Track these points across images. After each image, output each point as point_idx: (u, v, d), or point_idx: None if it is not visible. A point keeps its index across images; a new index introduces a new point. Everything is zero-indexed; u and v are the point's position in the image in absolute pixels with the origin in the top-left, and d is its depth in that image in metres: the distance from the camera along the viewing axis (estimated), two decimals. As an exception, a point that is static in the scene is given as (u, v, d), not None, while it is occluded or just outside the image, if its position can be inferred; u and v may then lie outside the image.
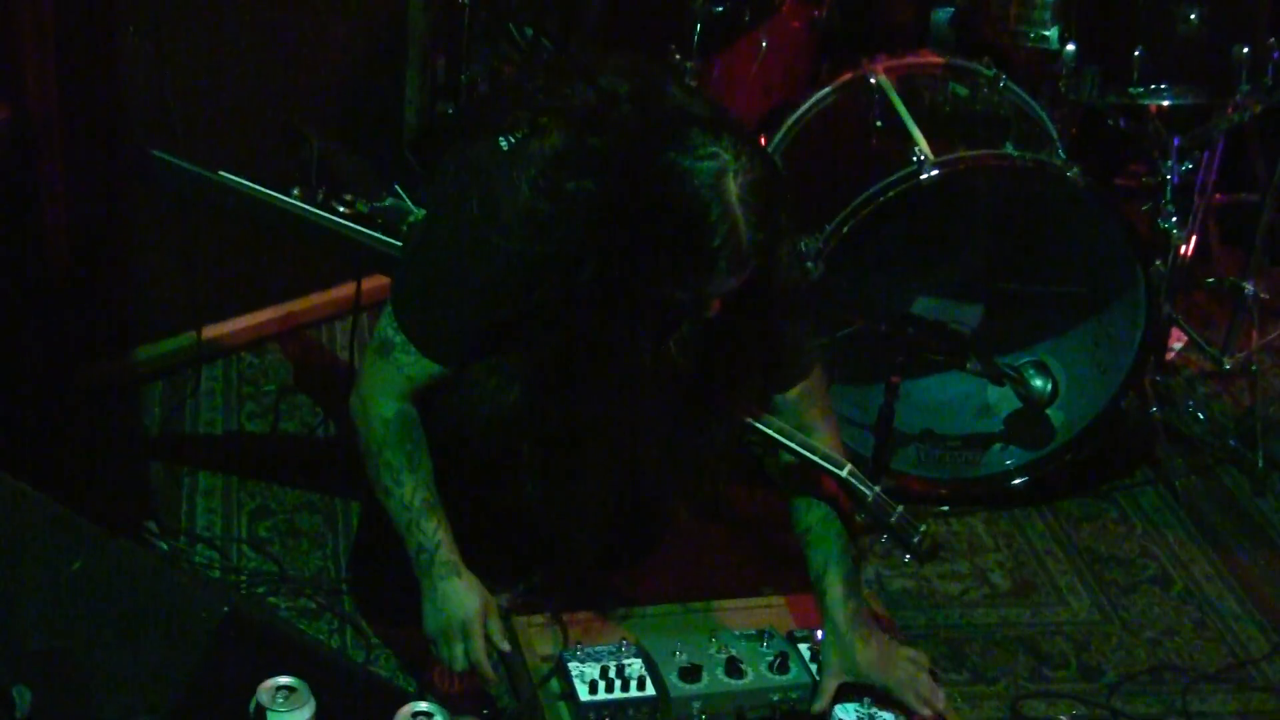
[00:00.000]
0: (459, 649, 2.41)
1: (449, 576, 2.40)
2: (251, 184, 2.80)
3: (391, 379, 2.38)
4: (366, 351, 2.44)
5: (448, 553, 2.41)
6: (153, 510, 2.99)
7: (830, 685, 2.45)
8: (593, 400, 2.32)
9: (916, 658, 2.49)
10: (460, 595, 2.40)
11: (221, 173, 2.79)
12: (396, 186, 2.86)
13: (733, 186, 2.04)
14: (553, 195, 2.19)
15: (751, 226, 2.06)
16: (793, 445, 2.49)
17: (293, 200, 2.82)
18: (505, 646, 2.43)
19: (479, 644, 2.40)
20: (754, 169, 2.07)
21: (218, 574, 2.87)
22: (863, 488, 2.48)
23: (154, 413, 3.32)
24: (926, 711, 2.43)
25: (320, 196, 2.86)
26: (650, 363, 2.28)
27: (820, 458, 2.48)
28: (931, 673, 2.47)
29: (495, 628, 2.42)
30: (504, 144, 2.25)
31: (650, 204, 2.07)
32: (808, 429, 2.52)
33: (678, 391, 2.35)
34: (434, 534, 2.40)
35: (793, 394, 2.53)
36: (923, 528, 2.50)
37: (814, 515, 2.51)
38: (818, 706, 2.45)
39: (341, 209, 2.83)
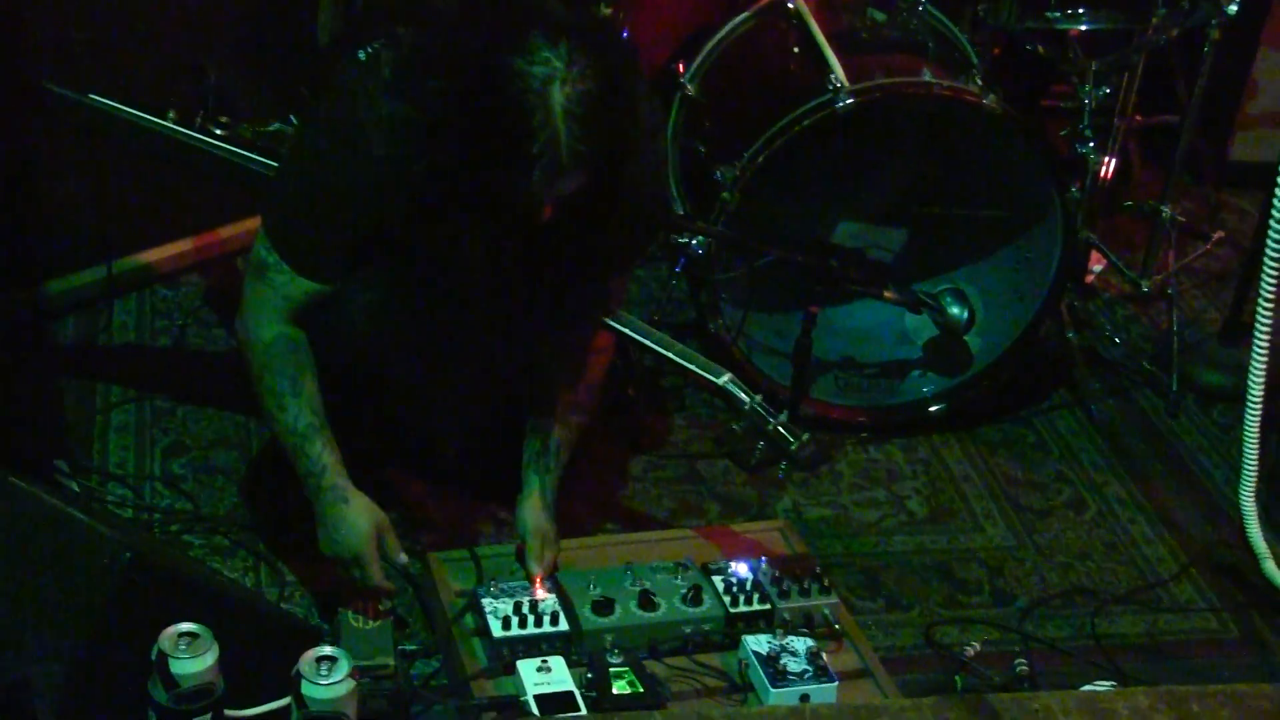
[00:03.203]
0: (355, 573, 2.45)
1: (337, 502, 2.43)
2: (127, 108, 2.77)
3: (269, 301, 2.39)
4: (246, 276, 2.45)
5: (335, 476, 2.43)
6: (64, 448, 2.96)
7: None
8: (452, 301, 2.40)
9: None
10: (350, 519, 2.43)
11: (91, 95, 2.75)
12: (291, 116, 2.84)
13: (558, 95, 2.06)
14: (408, 98, 2.21)
15: (574, 137, 2.07)
16: (669, 355, 2.50)
17: (167, 123, 2.79)
18: (402, 559, 2.48)
19: (373, 568, 2.44)
20: (587, 80, 2.07)
21: (130, 513, 2.85)
22: (741, 394, 2.50)
23: (65, 348, 3.27)
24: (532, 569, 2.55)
25: (198, 121, 2.83)
26: (500, 262, 2.32)
27: (698, 366, 2.50)
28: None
29: (390, 544, 2.47)
30: (362, 55, 2.28)
31: (482, 105, 2.09)
32: (567, 386, 2.62)
33: (530, 291, 2.40)
34: (320, 458, 2.42)
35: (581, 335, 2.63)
36: (804, 436, 2.51)
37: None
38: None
39: (219, 132, 2.80)
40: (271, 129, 2.83)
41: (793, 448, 2.51)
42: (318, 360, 2.48)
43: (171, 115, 2.81)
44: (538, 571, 2.55)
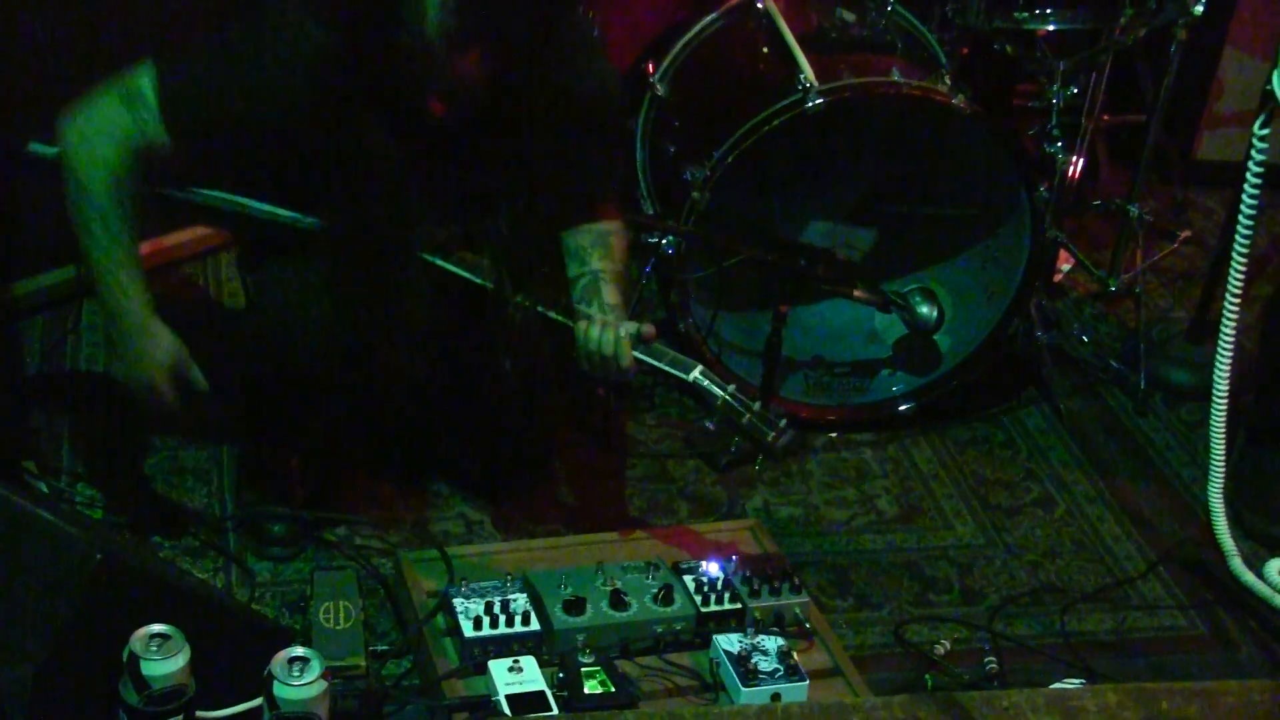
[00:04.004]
0: (148, 398, 2.52)
1: (138, 329, 2.48)
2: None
3: (124, 128, 2.40)
4: (103, 91, 2.43)
5: (140, 305, 2.46)
6: (33, 449, 2.94)
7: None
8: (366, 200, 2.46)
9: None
10: (149, 348, 2.48)
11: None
12: None
13: None
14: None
15: (443, 16, 2.16)
16: (637, 354, 2.50)
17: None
18: (204, 385, 2.54)
19: (169, 398, 2.51)
20: None
21: (100, 514, 2.83)
22: (714, 389, 2.49)
23: (34, 348, 3.26)
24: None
25: None
26: (417, 171, 2.42)
27: (667, 363, 2.49)
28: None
29: (194, 375, 2.53)
30: None
31: None
32: (596, 277, 2.62)
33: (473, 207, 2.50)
34: (129, 285, 2.45)
35: (583, 239, 2.66)
36: (781, 423, 2.48)
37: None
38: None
39: None
40: None
41: (769, 438, 2.50)
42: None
43: None
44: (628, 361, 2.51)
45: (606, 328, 2.51)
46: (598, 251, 2.68)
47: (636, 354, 2.51)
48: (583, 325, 2.53)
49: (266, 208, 2.59)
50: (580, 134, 2.55)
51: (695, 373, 2.50)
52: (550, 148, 2.49)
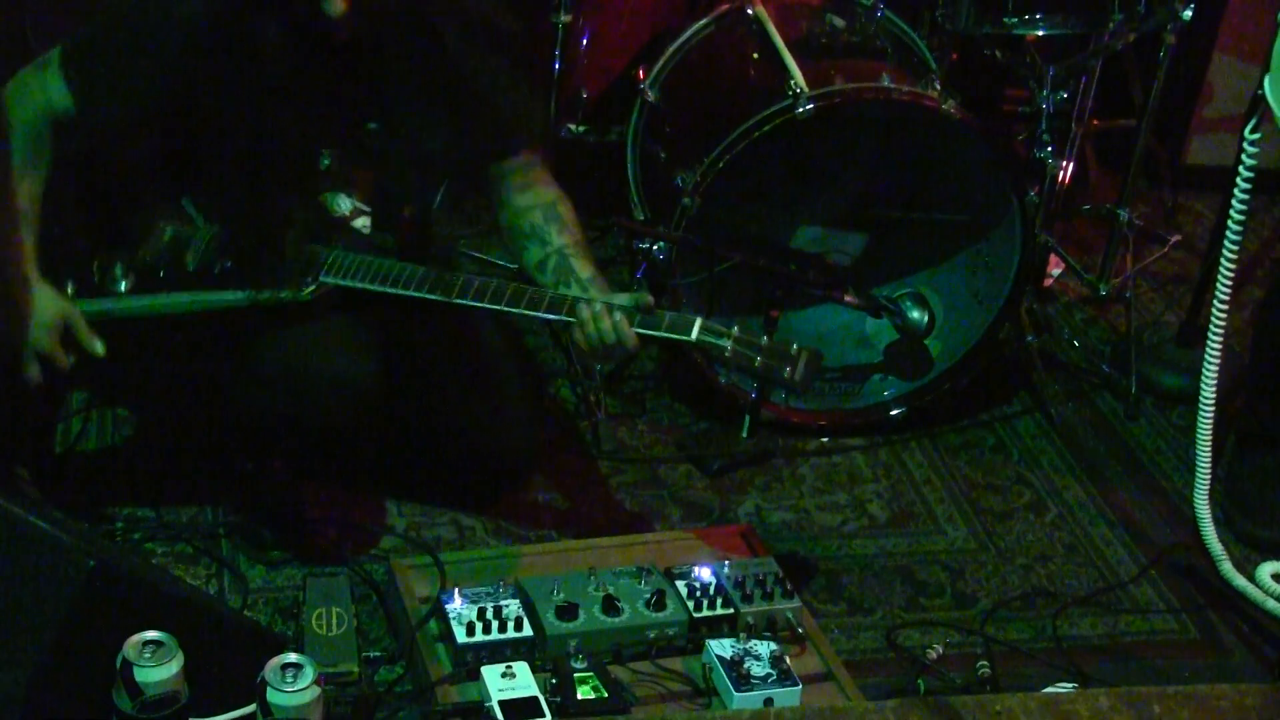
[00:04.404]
0: (33, 366, 2.52)
1: (20, 283, 2.47)
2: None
3: (33, 92, 2.51)
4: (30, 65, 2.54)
5: (24, 262, 2.47)
6: (25, 456, 2.93)
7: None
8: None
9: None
10: (31, 305, 2.49)
11: None
12: None
13: None
14: None
15: None
16: (639, 330, 2.49)
17: None
18: (98, 349, 2.54)
19: (55, 354, 2.52)
20: None
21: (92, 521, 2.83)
22: (719, 342, 2.47)
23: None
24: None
25: None
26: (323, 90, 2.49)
27: (665, 330, 2.48)
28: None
29: (85, 337, 2.53)
30: None
31: None
32: (564, 255, 2.62)
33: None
34: (18, 242, 2.47)
35: (533, 218, 2.66)
36: (794, 348, 2.45)
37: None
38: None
39: None
40: None
41: (787, 375, 2.45)
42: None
43: None
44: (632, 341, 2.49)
45: (601, 313, 2.48)
46: (553, 227, 2.66)
47: (638, 330, 2.49)
48: (583, 312, 2.49)
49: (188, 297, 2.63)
50: (482, 50, 2.55)
51: (695, 331, 2.47)
52: (452, 66, 2.52)
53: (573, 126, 3.51)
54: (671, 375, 3.38)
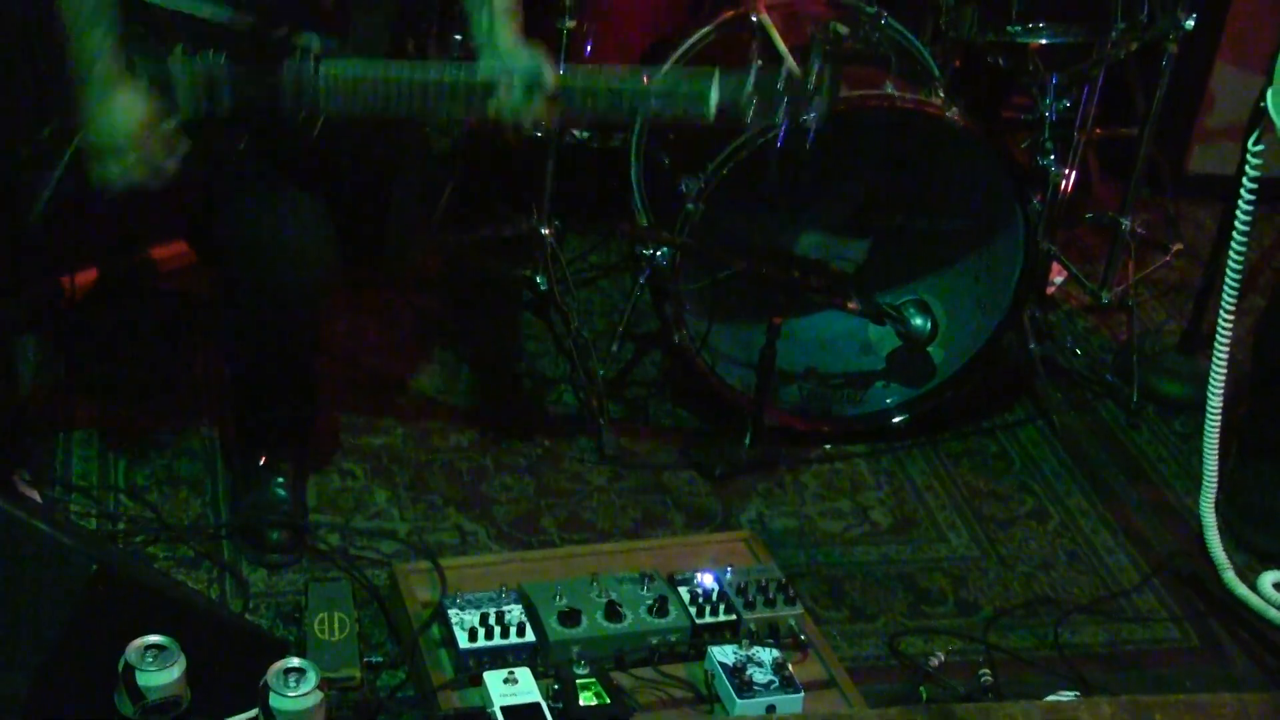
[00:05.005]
0: (114, 168, 2.44)
1: (105, 91, 2.42)
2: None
3: None
4: None
5: (110, 62, 2.42)
6: (26, 459, 2.94)
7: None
8: None
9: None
10: (117, 110, 2.42)
11: None
12: None
13: None
14: None
15: None
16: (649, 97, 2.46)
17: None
18: (184, 147, 2.47)
19: (142, 162, 2.44)
20: None
21: (94, 524, 2.83)
22: (740, 81, 2.42)
23: (28, 359, 3.25)
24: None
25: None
26: None
27: (684, 88, 2.45)
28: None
29: (155, 144, 2.44)
30: None
31: None
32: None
33: None
34: (100, 42, 2.41)
35: None
36: (813, 69, 2.42)
37: None
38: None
39: None
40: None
41: (810, 84, 2.42)
42: None
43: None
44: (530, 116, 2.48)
45: (511, 91, 2.45)
46: None
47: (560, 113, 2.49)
48: (496, 97, 2.46)
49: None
50: None
51: (714, 85, 2.43)
52: None
53: (576, 132, 3.50)
54: (674, 381, 3.38)
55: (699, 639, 2.52)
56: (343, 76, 2.46)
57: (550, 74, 2.47)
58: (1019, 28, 3.22)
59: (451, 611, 2.49)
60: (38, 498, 2.82)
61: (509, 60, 2.52)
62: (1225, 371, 2.63)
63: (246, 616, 2.62)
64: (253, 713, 2.12)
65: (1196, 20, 3.30)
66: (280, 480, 2.84)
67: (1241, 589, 2.81)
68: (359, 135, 2.70)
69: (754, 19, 3.29)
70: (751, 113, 2.45)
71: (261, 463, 2.86)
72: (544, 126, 2.51)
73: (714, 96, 2.44)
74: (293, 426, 2.91)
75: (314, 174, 2.64)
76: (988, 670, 2.63)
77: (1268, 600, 2.79)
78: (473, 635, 2.44)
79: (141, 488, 2.94)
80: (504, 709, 2.31)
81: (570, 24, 3.25)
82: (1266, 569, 2.88)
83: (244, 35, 2.49)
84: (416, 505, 2.96)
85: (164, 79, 2.46)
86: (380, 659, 2.55)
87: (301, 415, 2.92)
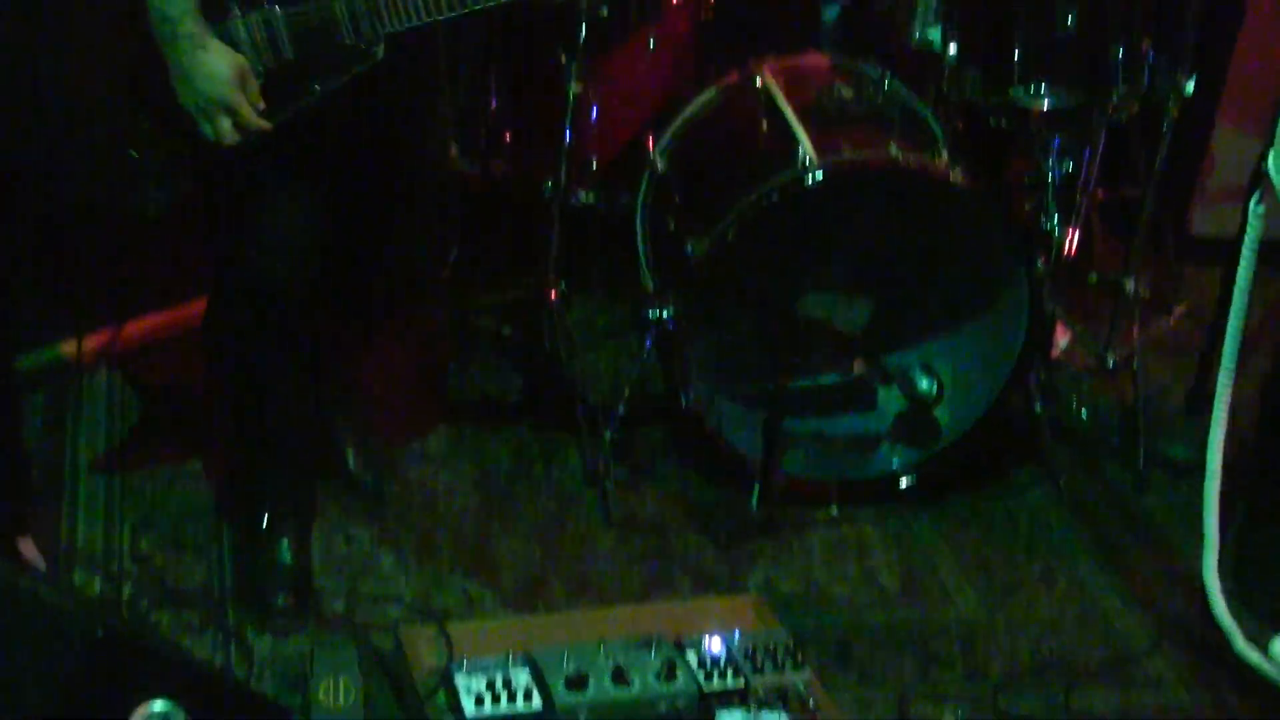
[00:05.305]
0: (224, 122, 2.48)
1: (195, 48, 2.45)
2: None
3: None
4: None
5: (193, 23, 2.44)
6: (31, 522, 2.93)
7: None
8: None
9: None
10: (210, 64, 2.45)
11: None
12: None
13: None
14: None
15: None
16: None
17: None
18: (261, 105, 2.50)
19: (245, 109, 2.48)
20: None
21: (98, 588, 2.82)
22: None
23: (34, 424, 3.25)
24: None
25: None
26: None
27: None
28: None
29: (253, 90, 2.49)
30: None
31: None
32: None
33: None
34: (180, 3, 2.43)
35: None
36: None
37: None
38: None
39: None
40: None
41: None
42: None
43: None
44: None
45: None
46: None
47: None
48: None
49: None
50: None
51: None
52: None
53: (582, 195, 3.52)
54: (681, 443, 3.38)
55: (707, 704, 2.50)
56: None
57: None
58: (1021, 90, 3.24)
59: (458, 677, 2.47)
60: (41, 562, 2.81)
61: None
62: (1225, 434, 2.63)
63: (251, 682, 2.60)
64: (258, 780, 2.10)
65: (1196, 84, 3.32)
66: (284, 543, 2.83)
67: (1253, 655, 2.79)
68: (364, 137, 2.74)
69: (758, 83, 3.31)
70: None
71: (265, 525, 2.85)
72: None
73: None
74: (295, 484, 2.90)
75: (310, 172, 2.67)
76: (998, 736, 2.61)
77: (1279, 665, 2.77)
78: (479, 701, 2.43)
79: (146, 554, 2.93)
80: (512, 776, 2.29)
81: (576, 89, 3.27)
82: (1278, 634, 2.86)
83: None
84: (423, 569, 2.95)
85: (230, 43, 2.50)
86: (386, 726, 2.53)
87: (304, 471, 2.91)
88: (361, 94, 2.58)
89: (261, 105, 2.50)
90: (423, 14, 2.52)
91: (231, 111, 2.48)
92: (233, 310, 2.78)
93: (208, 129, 2.50)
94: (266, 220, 2.65)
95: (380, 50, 2.53)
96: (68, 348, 3.31)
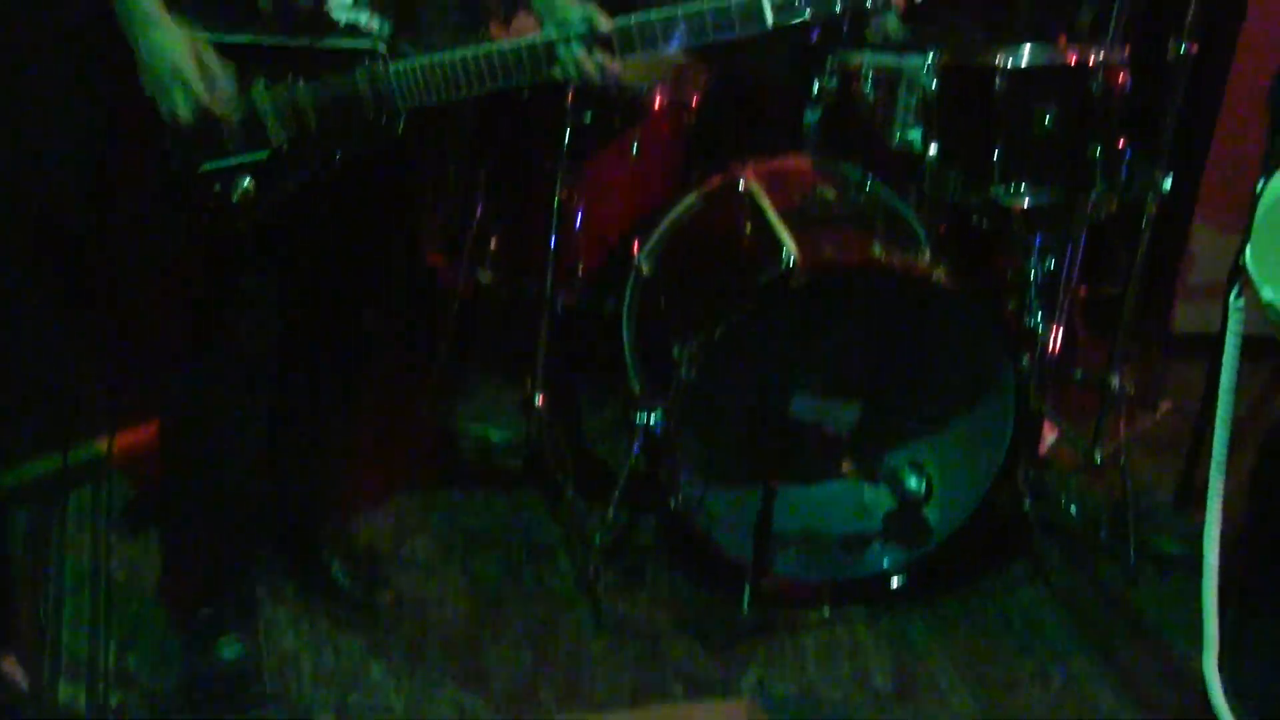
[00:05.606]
0: (178, 96, 2.48)
1: (149, 25, 2.46)
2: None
3: None
4: None
5: (149, 4, 2.46)
6: (14, 644, 2.89)
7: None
8: None
9: None
10: (161, 39, 2.46)
11: None
12: None
13: None
14: None
15: None
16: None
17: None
18: (221, 74, 2.50)
19: (197, 84, 2.48)
20: None
21: (84, 707, 2.78)
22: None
23: (17, 539, 3.22)
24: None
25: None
26: None
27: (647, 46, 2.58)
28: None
29: (210, 61, 2.49)
30: None
31: None
32: None
33: None
34: None
35: None
36: None
37: None
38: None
39: None
40: None
41: None
42: None
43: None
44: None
45: (570, 47, 2.58)
46: None
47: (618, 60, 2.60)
48: (562, 54, 2.59)
49: None
50: None
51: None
52: None
53: (568, 300, 3.54)
54: (671, 545, 3.36)
55: (703, 811, 2.47)
56: (413, 69, 2.57)
57: (604, 20, 2.59)
58: (1001, 189, 3.28)
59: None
60: (24, 684, 2.77)
61: (563, 15, 2.62)
62: (1219, 529, 2.62)
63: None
64: None
65: (1172, 181, 3.35)
66: (226, 638, 2.80)
67: (1252, 751, 2.77)
68: (342, 228, 2.78)
69: (742, 186, 3.34)
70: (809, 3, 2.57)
71: (201, 616, 2.83)
72: (610, 76, 2.61)
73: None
74: (236, 565, 2.87)
75: (285, 259, 2.71)
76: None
77: (1279, 760, 2.74)
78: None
79: (132, 672, 2.89)
80: None
81: (561, 194, 3.30)
82: (1277, 727, 2.84)
83: (313, 53, 2.56)
84: (414, 679, 2.92)
85: (252, 114, 2.55)
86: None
87: (245, 548, 2.89)
88: (345, 184, 2.61)
89: (225, 80, 2.51)
90: (442, 92, 2.58)
91: (184, 85, 2.48)
92: (196, 399, 2.77)
93: (164, 108, 2.50)
94: (240, 301, 2.67)
95: (400, 126, 2.59)
96: (52, 463, 3.29)
